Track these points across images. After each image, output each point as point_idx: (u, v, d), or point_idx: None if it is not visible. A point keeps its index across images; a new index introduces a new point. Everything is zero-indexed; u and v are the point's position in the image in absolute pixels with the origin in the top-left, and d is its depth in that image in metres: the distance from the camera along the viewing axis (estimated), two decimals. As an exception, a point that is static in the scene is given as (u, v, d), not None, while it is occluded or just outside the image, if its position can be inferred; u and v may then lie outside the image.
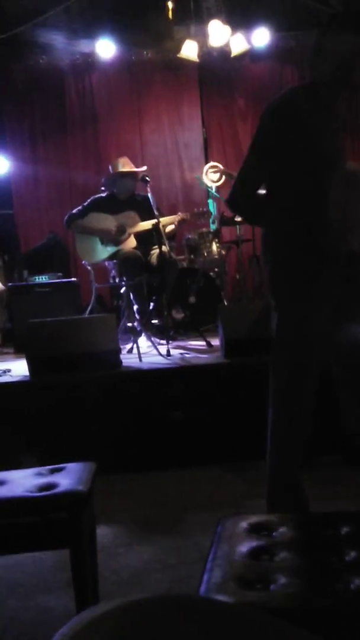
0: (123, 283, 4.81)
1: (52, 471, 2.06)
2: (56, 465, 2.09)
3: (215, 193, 6.71)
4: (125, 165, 5.05)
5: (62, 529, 1.86)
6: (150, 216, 4.67)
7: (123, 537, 2.71)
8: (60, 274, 5.81)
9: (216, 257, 5.84)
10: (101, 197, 5.13)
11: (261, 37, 6.68)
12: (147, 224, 4.75)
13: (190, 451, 3.52)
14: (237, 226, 6.33)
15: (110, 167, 5.18)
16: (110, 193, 5.12)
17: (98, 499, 2.12)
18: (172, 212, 5.68)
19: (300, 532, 1.37)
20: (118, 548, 2.60)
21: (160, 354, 4.20)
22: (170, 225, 4.98)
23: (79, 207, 5.05)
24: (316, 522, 1.40)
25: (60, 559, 2.27)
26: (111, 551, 2.56)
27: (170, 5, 6.72)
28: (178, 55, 6.46)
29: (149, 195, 4.66)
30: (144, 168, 5.17)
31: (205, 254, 5.79)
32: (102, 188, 5.29)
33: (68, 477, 1.95)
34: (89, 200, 5.10)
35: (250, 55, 6.76)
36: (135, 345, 4.29)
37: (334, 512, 1.46)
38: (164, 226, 4.86)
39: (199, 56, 6.53)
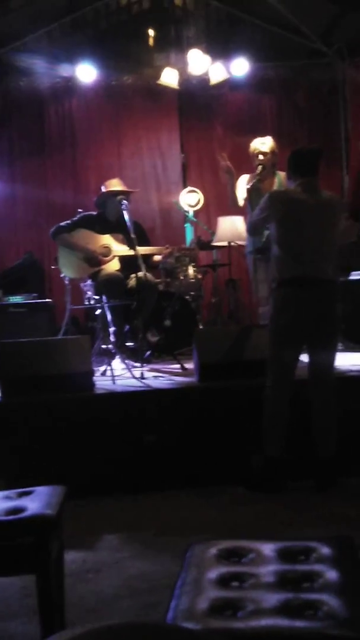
0: (101, 304, 4.78)
1: (20, 495, 2.03)
2: (25, 489, 2.06)
3: (192, 217, 6.77)
4: (116, 186, 5.06)
5: (29, 554, 1.83)
6: (139, 241, 4.62)
7: (92, 562, 2.67)
8: (35, 294, 5.78)
9: (192, 280, 5.87)
10: (91, 215, 5.12)
11: (240, 66, 6.82)
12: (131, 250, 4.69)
13: (163, 475, 3.50)
14: (214, 250, 6.39)
15: (102, 187, 5.18)
16: (101, 212, 5.12)
17: (68, 523, 2.09)
18: (150, 235, 5.70)
19: (270, 559, 1.36)
20: (87, 573, 2.56)
21: (134, 377, 4.19)
22: (157, 256, 4.99)
23: (68, 221, 4.99)
24: (286, 548, 1.40)
25: (27, 584, 2.23)
26: (79, 576, 2.51)
27: (151, 32, 6.85)
28: (158, 82, 6.56)
29: (127, 218, 4.62)
30: (137, 190, 5.17)
31: (182, 277, 5.81)
32: (80, 210, 5.29)
33: (36, 501, 1.92)
34: (78, 216, 5.08)
35: (229, 84, 6.88)
36: (109, 368, 4.26)
37: (304, 538, 1.45)
38: (152, 255, 4.86)
39: (179, 83, 6.63)
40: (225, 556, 1.38)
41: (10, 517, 1.82)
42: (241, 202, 4.79)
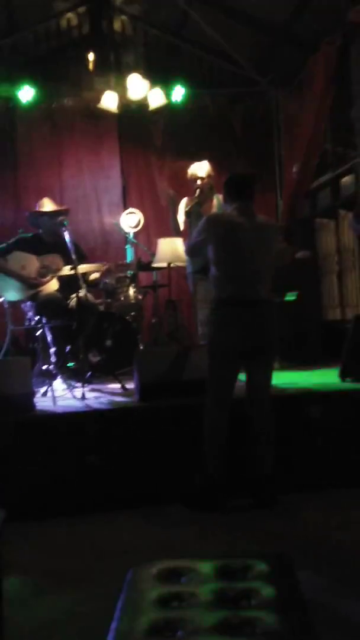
0: (41, 325, 4.76)
1: None
2: None
3: (132, 239, 6.83)
4: (46, 205, 5.06)
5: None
6: (78, 260, 4.62)
7: (32, 587, 2.64)
8: (-27, 315, 5.67)
9: (133, 301, 5.91)
10: (27, 236, 5.09)
11: (178, 92, 7.00)
12: (69, 269, 4.71)
13: (104, 496, 3.50)
14: (154, 271, 6.46)
15: (36, 206, 5.17)
16: (36, 233, 5.10)
17: (7, 547, 2.07)
18: (90, 255, 5.73)
19: (209, 578, 1.41)
20: (27, 599, 2.53)
21: (75, 397, 4.19)
22: (95, 274, 5.01)
23: (3, 245, 4.96)
24: (225, 566, 1.45)
25: None
26: (19, 602, 2.48)
27: (91, 57, 6.93)
28: (98, 106, 6.63)
29: (67, 238, 4.64)
30: (64, 207, 5.18)
31: (122, 298, 5.85)
32: (21, 230, 5.26)
33: (-25, 526, 1.90)
34: (14, 239, 5.05)
35: (167, 109, 7.03)
36: (50, 389, 4.24)
37: (242, 555, 1.51)
38: (89, 273, 4.87)
39: (118, 107, 6.72)
40: (165, 576, 1.42)
41: None
42: (182, 226, 4.91)
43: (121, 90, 6.63)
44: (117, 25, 7.27)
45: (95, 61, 6.89)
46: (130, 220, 7.00)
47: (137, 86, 6.36)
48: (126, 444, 3.61)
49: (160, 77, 6.86)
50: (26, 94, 6.76)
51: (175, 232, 5.04)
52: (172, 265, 6.07)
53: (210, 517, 3.26)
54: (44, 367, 4.77)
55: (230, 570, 1.45)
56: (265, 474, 3.39)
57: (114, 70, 6.79)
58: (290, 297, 5.78)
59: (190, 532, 3.11)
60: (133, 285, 5.94)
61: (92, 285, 5.12)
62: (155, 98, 6.58)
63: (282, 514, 3.28)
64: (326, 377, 4.59)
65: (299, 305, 5.82)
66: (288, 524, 3.14)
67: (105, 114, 6.81)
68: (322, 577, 2.51)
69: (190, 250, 3.89)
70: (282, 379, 4.45)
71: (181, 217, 4.90)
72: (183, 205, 4.92)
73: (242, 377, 3.52)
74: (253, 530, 3.07)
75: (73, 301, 4.76)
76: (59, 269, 4.83)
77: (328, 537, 2.96)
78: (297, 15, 6.21)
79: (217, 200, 4.85)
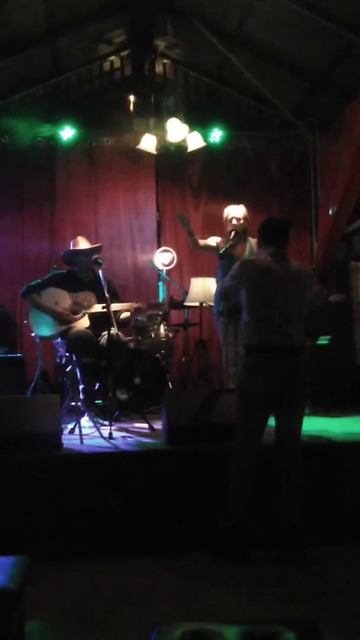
0: (71, 361, 4.78)
1: (-17, 564, 1.99)
2: (-13, 558, 2.02)
3: (165, 276, 6.88)
4: (81, 243, 5.13)
5: (-11, 628, 1.78)
6: (111, 298, 4.62)
7: (52, 633, 2.59)
8: (6, 348, 5.75)
9: (163, 339, 5.93)
10: (61, 273, 5.16)
11: (216, 136, 7.13)
12: (101, 307, 4.72)
13: (128, 539, 3.45)
14: (185, 310, 6.48)
15: (71, 244, 5.24)
16: (71, 270, 5.16)
17: (28, 590, 2.04)
18: (122, 292, 5.77)
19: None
20: (46, 646, 2.49)
21: (102, 437, 4.17)
22: (126, 312, 5.02)
23: (38, 280, 5.03)
24: (251, 632, 1.40)
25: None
26: (39, 649, 2.44)
27: (131, 98, 7.11)
28: (137, 147, 6.77)
29: (101, 276, 4.67)
30: (98, 245, 5.23)
31: (153, 335, 5.87)
32: (55, 266, 5.34)
33: (-1, 572, 1.89)
34: (49, 275, 5.12)
35: (204, 151, 7.14)
36: (77, 426, 4.24)
37: (268, 621, 1.45)
38: (120, 312, 4.89)
39: (157, 149, 6.85)
40: (190, 640, 1.37)
41: (-28, 591, 1.78)
42: (201, 243, 5.02)
43: (160, 132, 6.76)
44: (158, 69, 7.47)
45: (136, 103, 7.06)
46: (164, 258, 7.07)
47: (176, 130, 6.48)
48: (151, 487, 3.56)
49: (198, 119, 6.99)
50: (67, 133, 6.96)
51: (195, 247, 5.11)
52: (204, 304, 6.09)
53: (234, 567, 3.18)
54: (72, 403, 4.77)
55: (256, 638, 1.40)
56: (292, 525, 3.30)
57: (153, 113, 6.94)
58: (323, 341, 5.72)
59: (212, 582, 3.03)
60: (164, 323, 5.96)
61: (123, 324, 5.14)
62: (194, 141, 6.69)
63: (309, 568, 3.17)
64: (358, 425, 4.49)
65: (331, 349, 5.76)
66: (315, 580, 3.04)
67: (143, 154, 6.95)
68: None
69: (223, 294, 3.88)
70: (313, 425, 4.37)
71: (207, 241, 5.00)
72: (212, 241, 4.99)
73: (271, 422, 3.46)
74: (278, 585, 2.97)
75: (104, 339, 4.77)
76: (91, 306, 4.87)
77: (358, 595, 2.84)
78: (337, 62, 6.29)
79: (249, 244, 4.87)
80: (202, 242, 5.02)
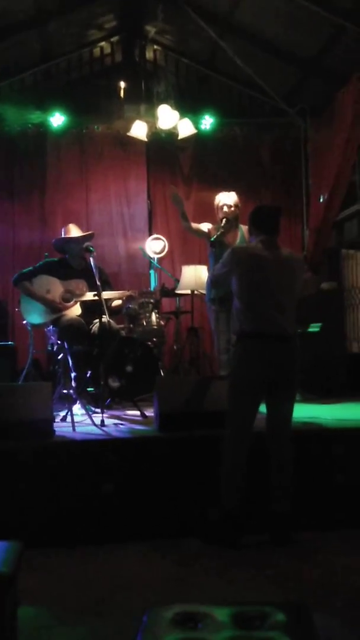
0: (63, 349, 4.78)
1: (-25, 550, 2.00)
2: (-21, 543, 2.03)
3: (156, 264, 6.88)
4: (72, 231, 5.11)
5: (-18, 613, 1.79)
6: (102, 286, 4.61)
7: (45, 617, 2.61)
8: (-3, 336, 5.75)
9: (155, 327, 5.93)
10: (53, 260, 5.15)
11: (207, 123, 7.10)
12: (92, 295, 4.72)
13: (119, 526, 3.47)
14: (177, 298, 6.49)
15: (62, 232, 5.22)
16: (62, 258, 5.15)
17: (20, 575, 2.05)
18: (114, 280, 5.76)
19: (225, 625, 1.38)
20: (39, 630, 2.50)
21: (94, 424, 4.18)
22: (118, 300, 5.02)
23: (30, 268, 5.02)
24: (241, 613, 1.42)
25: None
26: (31, 634, 2.46)
27: (122, 85, 7.06)
28: (127, 134, 6.74)
29: (92, 264, 4.67)
30: (89, 232, 5.21)
31: (145, 323, 5.87)
32: (47, 254, 5.32)
33: (-8, 558, 1.90)
34: (40, 263, 5.11)
35: (195, 138, 7.11)
36: (69, 413, 4.25)
37: (258, 603, 1.48)
38: (112, 300, 4.88)
39: (148, 136, 6.82)
40: (181, 622, 1.39)
41: (-35, 576, 1.79)
42: (194, 227, 4.97)
43: (151, 119, 6.73)
44: (149, 55, 7.42)
45: (126, 90, 7.01)
46: (155, 246, 7.06)
47: (167, 116, 6.44)
48: (143, 474, 3.58)
49: (189, 106, 6.96)
50: (57, 120, 6.91)
51: (187, 229, 5.07)
52: (195, 292, 6.10)
53: (225, 553, 3.21)
54: (64, 391, 4.78)
55: (247, 618, 1.42)
56: (282, 510, 3.33)
57: (144, 99, 6.90)
58: (314, 328, 5.74)
59: (204, 568, 3.06)
60: (156, 311, 5.96)
61: (115, 312, 5.14)
62: (185, 128, 6.66)
63: (299, 553, 3.21)
64: (349, 411, 4.53)
65: (322, 336, 5.78)
66: (304, 564, 3.07)
67: (134, 141, 6.91)
68: (339, 623, 2.44)
69: (214, 281, 3.89)
70: (304, 412, 4.39)
71: (200, 226, 4.97)
72: (204, 227, 4.97)
73: (262, 409, 3.48)
74: (268, 569, 3.00)
75: (95, 326, 4.78)
76: (83, 294, 4.86)
77: (346, 580, 2.88)
78: (328, 49, 6.28)
79: (240, 231, 4.86)
80: (194, 225, 5.01)
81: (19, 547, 2.02)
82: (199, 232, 5.04)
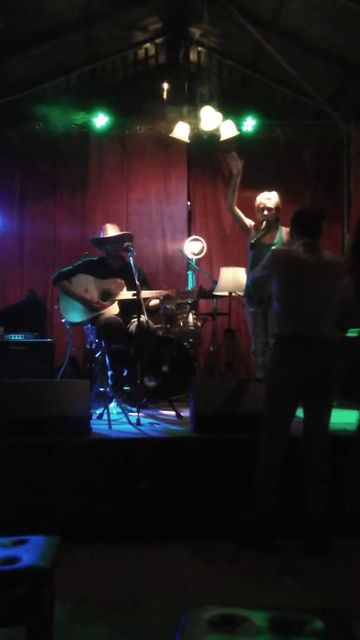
0: (100, 348, 4.83)
1: (15, 543, 2.03)
2: (19, 537, 2.06)
3: (195, 265, 6.88)
4: (109, 231, 5.16)
5: (20, 605, 1.82)
6: (141, 286, 4.62)
7: (80, 613, 2.64)
8: (36, 333, 5.83)
9: (192, 327, 5.94)
10: (92, 260, 5.20)
11: (249, 124, 7.08)
12: (131, 294, 4.75)
13: (154, 525, 3.49)
14: (214, 299, 6.48)
15: (101, 232, 5.27)
16: (102, 257, 5.20)
17: (56, 570, 2.08)
18: (152, 280, 5.79)
19: (263, 630, 1.38)
20: (74, 625, 2.53)
21: (130, 423, 4.21)
22: (155, 300, 5.04)
23: (69, 267, 5.08)
24: (279, 618, 1.41)
25: (12, 634, 2.21)
26: (66, 628, 2.49)
27: (165, 86, 7.09)
28: (170, 135, 6.76)
29: (132, 263, 4.71)
30: (125, 233, 5.24)
31: (181, 324, 5.89)
32: (87, 253, 5.37)
33: (31, 552, 1.93)
34: (80, 261, 5.17)
35: (237, 139, 7.08)
36: (105, 411, 4.29)
37: (296, 609, 1.47)
38: (149, 299, 4.91)
39: (189, 137, 6.83)
40: (219, 624, 1.39)
41: (5, 567, 1.82)
42: (239, 213, 5.00)
43: (193, 120, 6.74)
44: (193, 57, 7.43)
45: (170, 91, 7.04)
46: (194, 247, 7.06)
47: (210, 118, 6.44)
48: (177, 474, 3.59)
49: (232, 107, 6.94)
50: (101, 120, 6.98)
51: (230, 208, 5.06)
52: (233, 294, 6.08)
53: (258, 556, 3.20)
54: (101, 389, 4.83)
55: (285, 624, 1.42)
56: (318, 515, 3.30)
57: (187, 101, 6.91)
58: (353, 333, 5.66)
59: (237, 571, 3.05)
60: (193, 312, 5.97)
61: (152, 312, 5.16)
62: (227, 129, 6.65)
63: (335, 559, 3.18)
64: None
65: (361, 342, 5.69)
66: (341, 570, 3.04)
67: (176, 142, 6.93)
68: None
69: (255, 283, 3.87)
70: (341, 418, 4.34)
71: (239, 211, 4.99)
72: (247, 221, 4.98)
73: (299, 413, 3.46)
74: (304, 575, 2.98)
75: (133, 326, 4.81)
76: (120, 294, 4.90)
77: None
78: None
79: (279, 232, 4.84)
80: (239, 212, 5.01)
81: (56, 541, 2.05)
82: (240, 221, 5.02)
